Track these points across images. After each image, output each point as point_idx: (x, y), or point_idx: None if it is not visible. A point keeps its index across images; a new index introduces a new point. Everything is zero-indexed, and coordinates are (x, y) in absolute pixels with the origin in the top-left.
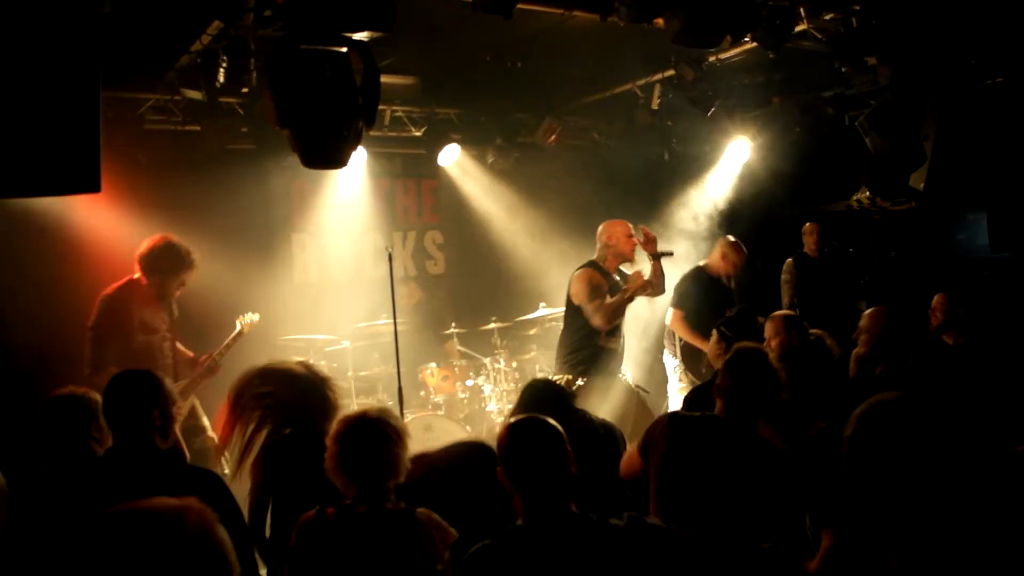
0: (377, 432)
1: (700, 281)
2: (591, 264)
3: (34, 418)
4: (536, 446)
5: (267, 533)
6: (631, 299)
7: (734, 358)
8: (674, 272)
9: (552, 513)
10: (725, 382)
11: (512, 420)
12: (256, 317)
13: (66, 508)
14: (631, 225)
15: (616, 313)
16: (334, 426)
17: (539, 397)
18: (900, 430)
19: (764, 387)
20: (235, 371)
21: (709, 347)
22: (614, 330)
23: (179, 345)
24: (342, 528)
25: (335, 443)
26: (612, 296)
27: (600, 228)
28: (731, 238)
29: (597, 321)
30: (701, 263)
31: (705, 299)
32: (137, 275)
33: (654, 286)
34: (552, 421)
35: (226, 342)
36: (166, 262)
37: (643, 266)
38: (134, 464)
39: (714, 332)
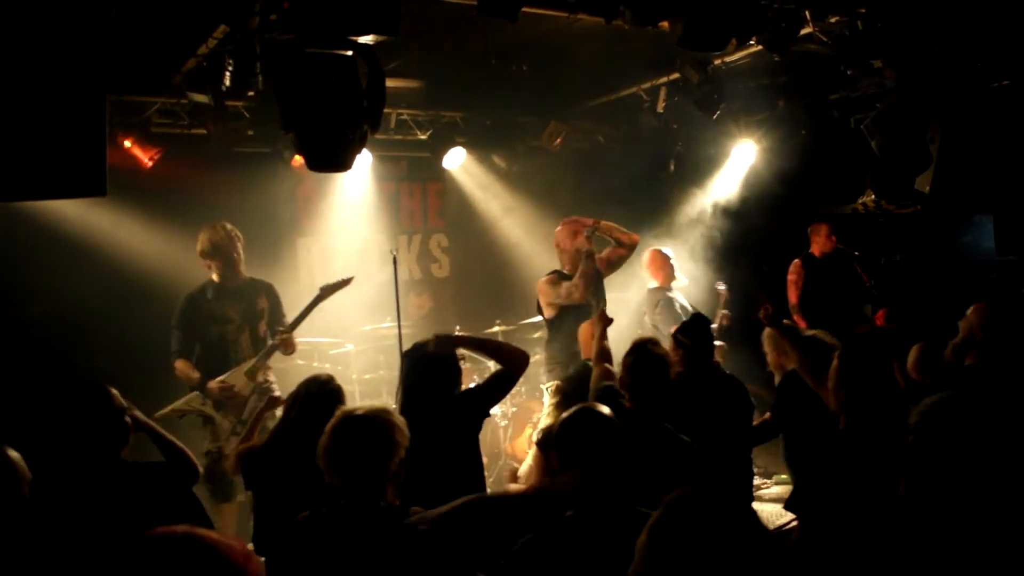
0: (373, 430)
1: (668, 300)
2: (551, 272)
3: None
4: (588, 436)
5: None
6: (591, 257)
7: (627, 352)
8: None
9: (603, 504)
10: (624, 378)
11: (566, 414)
12: (344, 278)
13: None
14: (575, 221)
15: (588, 279)
16: (331, 420)
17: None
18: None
19: (655, 376)
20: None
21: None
22: None
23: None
24: (335, 528)
25: (329, 437)
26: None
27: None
28: (654, 249)
29: (577, 295)
30: (654, 286)
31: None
32: (210, 272)
33: (620, 244)
34: (605, 409)
35: (303, 310)
36: (209, 247)
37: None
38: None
39: (670, 340)
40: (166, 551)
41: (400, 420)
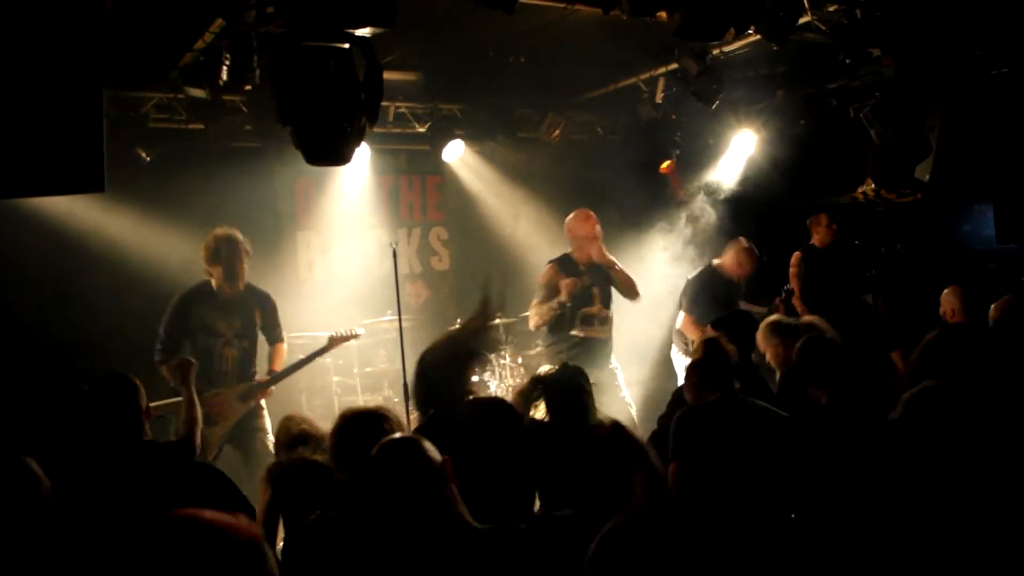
0: (376, 429)
1: (713, 282)
2: (555, 260)
3: (78, 404)
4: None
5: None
6: (558, 309)
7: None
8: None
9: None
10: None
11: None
12: (359, 331)
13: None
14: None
15: (542, 318)
16: (336, 420)
17: (560, 395)
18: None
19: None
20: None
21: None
22: (588, 319)
23: (282, 347)
24: (340, 531)
25: (334, 437)
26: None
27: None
28: (745, 243)
29: (530, 322)
30: (715, 262)
31: (716, 300)
32: (209, 276)
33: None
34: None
35: (307, 356)
36: (213, 254)
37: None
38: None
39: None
40: (169, 534)
41: (396, 414)
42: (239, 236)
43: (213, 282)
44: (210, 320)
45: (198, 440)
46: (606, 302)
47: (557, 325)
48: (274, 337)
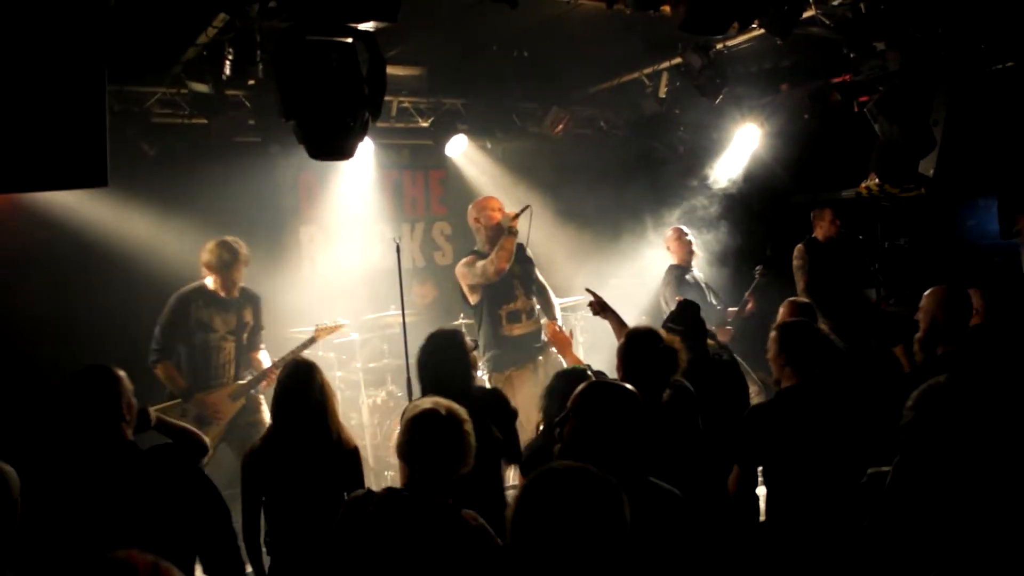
0: (450, 427)
1: (682, 277)
2: (469, 253)
3: (55, 401)
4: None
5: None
6: (512, 233)
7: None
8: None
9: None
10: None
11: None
12: (340, 322)
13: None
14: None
15: (506, 252)
16: (408, 412)
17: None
18: (954, 413)
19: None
20: None
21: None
22: (514, 315)
23: (260, 354)
24: (385, 513)
25: (407, 430)
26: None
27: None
28: (673, 227)
29: (492, 270)
30: (672, 262)
31: (692, 294)
32: (206, 278)
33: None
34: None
35: (294, 349)
36: (216, 262)
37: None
38: (105, 456)
39: (661, 330)
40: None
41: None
42: (242, 247)
43: (210, 284)
44: (207, 317)
45: (202, 438)
46: (528, 292)
47: (487, 330)
48: (255, 343)
